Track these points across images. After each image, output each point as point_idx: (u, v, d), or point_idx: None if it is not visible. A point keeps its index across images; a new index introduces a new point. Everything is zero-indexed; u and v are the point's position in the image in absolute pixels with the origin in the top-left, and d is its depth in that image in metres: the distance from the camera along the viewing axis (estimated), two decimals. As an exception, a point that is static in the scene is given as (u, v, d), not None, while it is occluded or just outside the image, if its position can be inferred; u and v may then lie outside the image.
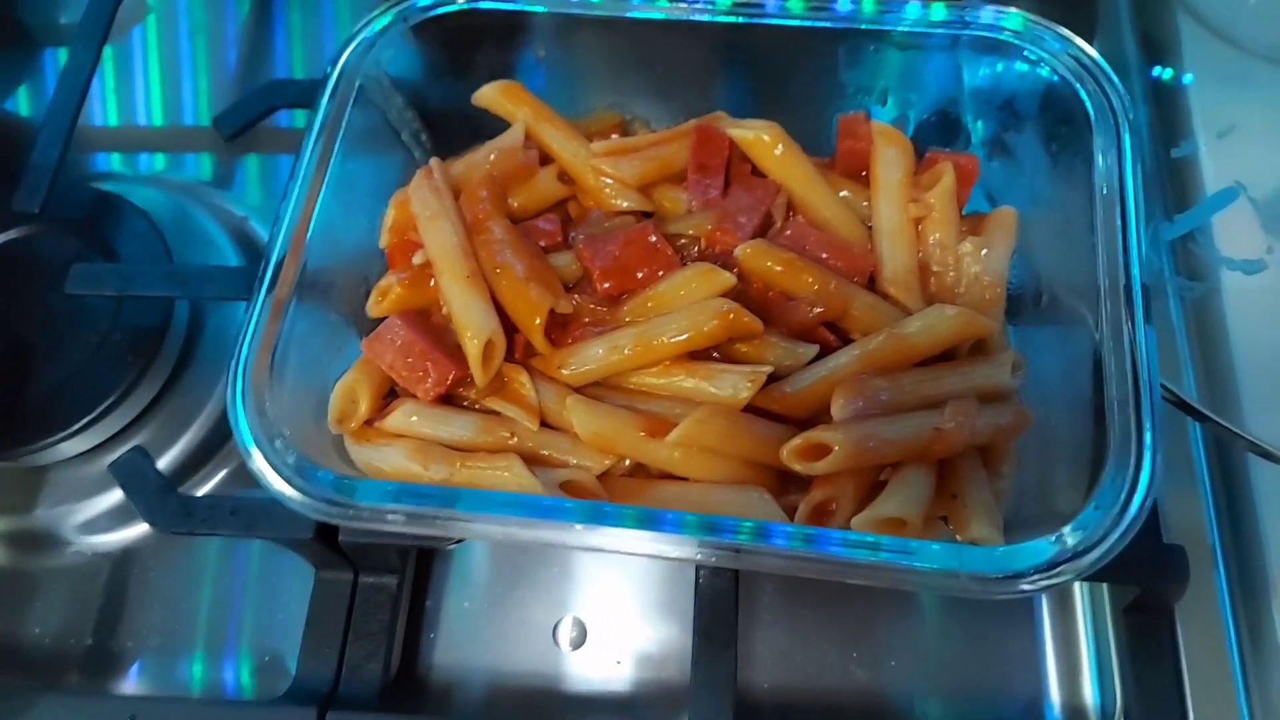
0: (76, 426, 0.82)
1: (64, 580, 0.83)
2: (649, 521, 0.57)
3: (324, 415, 0.70)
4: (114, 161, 1.04)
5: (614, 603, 0.80)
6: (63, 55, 1.06)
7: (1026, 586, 0.56)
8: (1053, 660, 0.77)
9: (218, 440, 0.88)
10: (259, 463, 0.62)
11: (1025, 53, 0.73)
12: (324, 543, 0.71)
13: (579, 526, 0.57)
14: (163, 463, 0.85)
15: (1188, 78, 0.98)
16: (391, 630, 0.74)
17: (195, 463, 0.87)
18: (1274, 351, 0.83)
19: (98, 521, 0.85)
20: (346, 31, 0.76)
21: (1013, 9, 0.72)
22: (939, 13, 0.73)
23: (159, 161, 1.05)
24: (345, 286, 0.74)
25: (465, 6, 0.77)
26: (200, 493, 0.86)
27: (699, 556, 0.58)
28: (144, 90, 1.09)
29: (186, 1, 1.13)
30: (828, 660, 0.78)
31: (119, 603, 0.82)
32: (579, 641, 0.79)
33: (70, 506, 0.85)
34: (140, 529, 0.85)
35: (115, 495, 0.84)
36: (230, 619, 0.81)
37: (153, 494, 0.72)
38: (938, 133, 0.81)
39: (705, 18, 0.74)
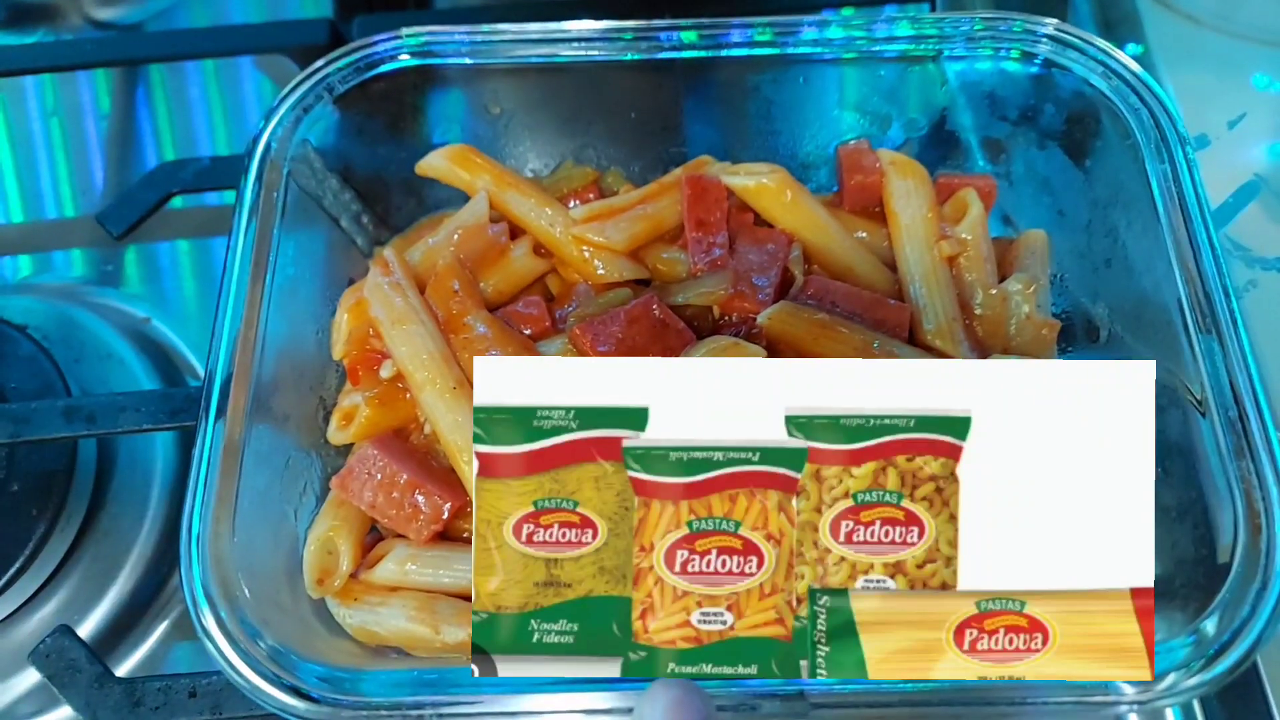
0: (-22, 600, 0.70)
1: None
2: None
3: (298, 576, 0.60)
4: (-30, 272, 0.93)
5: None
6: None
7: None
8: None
9: (149, 591, 0.76)
10: (229, 655, 0.51)
11: (1058, 64, 0.66)
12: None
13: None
14: (86, 629, 0.73)
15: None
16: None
17: (126, 622, 0.75)
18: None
19: (18, 707, 0.72)
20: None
21: (1049, 19, 0.64)
22: (977, 25, 0.66)
23: (24, 265, 0.92)
24: (300, 410, 0.64)
25: (395, 67, 0.67)
26: (137, 657, 0.74)
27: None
28: (-4, 184, 0.96)
29: (36, 82, 0.99)
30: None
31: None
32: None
33: (-19, 695, 0.72)
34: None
35: (34, 673, 0.70)
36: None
37: (88, 684, 0.61)
38: (943, 152, 0.73)
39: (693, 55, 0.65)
